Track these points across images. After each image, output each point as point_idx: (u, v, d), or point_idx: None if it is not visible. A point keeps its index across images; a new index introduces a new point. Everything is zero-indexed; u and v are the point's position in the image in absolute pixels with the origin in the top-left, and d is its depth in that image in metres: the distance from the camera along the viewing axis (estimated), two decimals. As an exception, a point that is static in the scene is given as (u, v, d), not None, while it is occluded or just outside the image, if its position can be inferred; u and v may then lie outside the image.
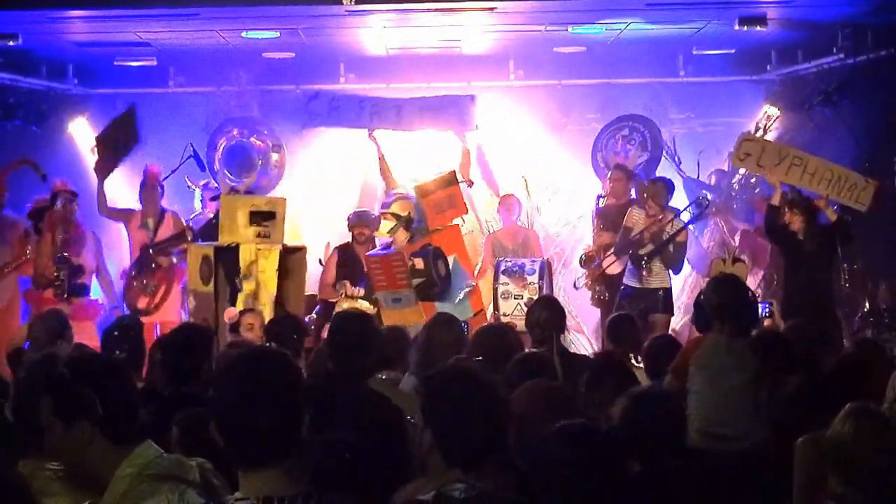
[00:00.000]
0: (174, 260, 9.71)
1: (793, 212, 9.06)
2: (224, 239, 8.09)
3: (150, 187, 10.01)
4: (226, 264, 7.97)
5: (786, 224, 9.13)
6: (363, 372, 4.96)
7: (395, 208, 8.96)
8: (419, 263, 8.44)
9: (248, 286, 7.91)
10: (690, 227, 9.72)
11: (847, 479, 3.51)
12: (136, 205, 10.22)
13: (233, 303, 7.90)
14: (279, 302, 8.05)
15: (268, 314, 7.79)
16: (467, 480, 3.01)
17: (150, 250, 9.69)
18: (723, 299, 5.61)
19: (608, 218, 10.23)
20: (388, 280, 8.49)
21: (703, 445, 5.04)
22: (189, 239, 9.57)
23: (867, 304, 9.43)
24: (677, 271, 9.62)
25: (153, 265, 9.66)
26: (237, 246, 7.97)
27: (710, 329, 5.69)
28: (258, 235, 8.01)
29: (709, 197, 10.65)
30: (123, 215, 10.16)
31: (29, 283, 9.51)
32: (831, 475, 3.57)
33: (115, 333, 5.69)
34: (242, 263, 7.93)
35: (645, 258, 9.32)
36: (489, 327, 6.50)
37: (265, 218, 8.06)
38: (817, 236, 8.97)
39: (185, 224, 9.86)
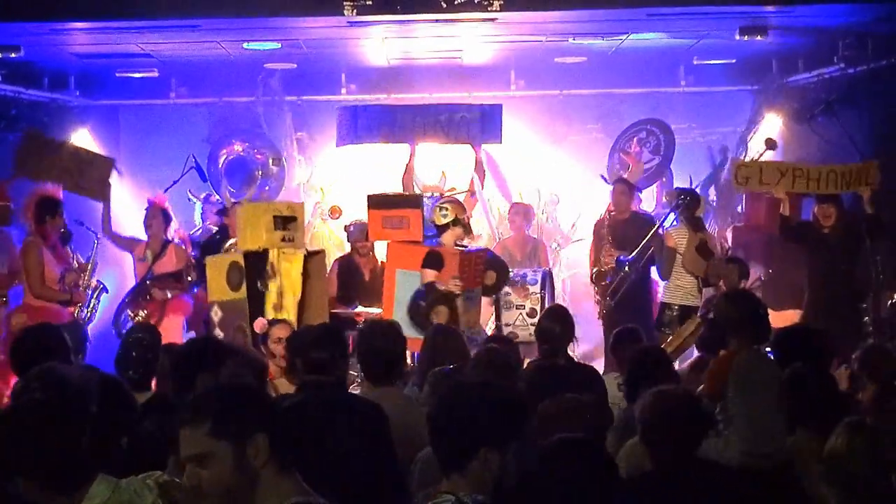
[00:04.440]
0: (168, 295, 9.56)
1: (826, 205, 9.12)
2: (247, 246, 8.06)
3: (151, 218, 9.83)
4: (252, 270, 7.93)
5: (801, 223, 9.21)
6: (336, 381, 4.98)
7: (450, 209, 8.91)
8: (490, 278, 8.78)
9: (273, 286, 7.88)
10: (670, 229, 9.45)
11: (843, 492, 3.51)
12: (143, 234, 10.03)
13: (260, 308, 7.85)
14: (302, 306, 8.02)
15: (293, 318, 7.75)
16: (456, 493, 3.02)
17: (148, 281, 9.58)
18: (743, 313, 5.56)
19: (616, 233, 10.08)
20: (468, 278, 8.53)
21: (750, 465, 5.01)
22: (189, 280, 9.53)
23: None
24: (664, 277, 9.41)
25: (147, 297, 9.57)
26: (266, 251, 7.97)
27: (727, 345, 5.65)
28: (283, 240, 7.99)
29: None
30: (126, 243, 9.99)
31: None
32: (828, 489, 3.57)
33: (133, 353, 5.66)
34: (269, 267, 7.92)
35: (626, 266, 9.32)
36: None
37: (287, 222, 8.03)
38: (841, 229, 9.11)
39: (187, 260, 9.73)
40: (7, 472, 2.96)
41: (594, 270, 10.13)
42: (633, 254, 9.46)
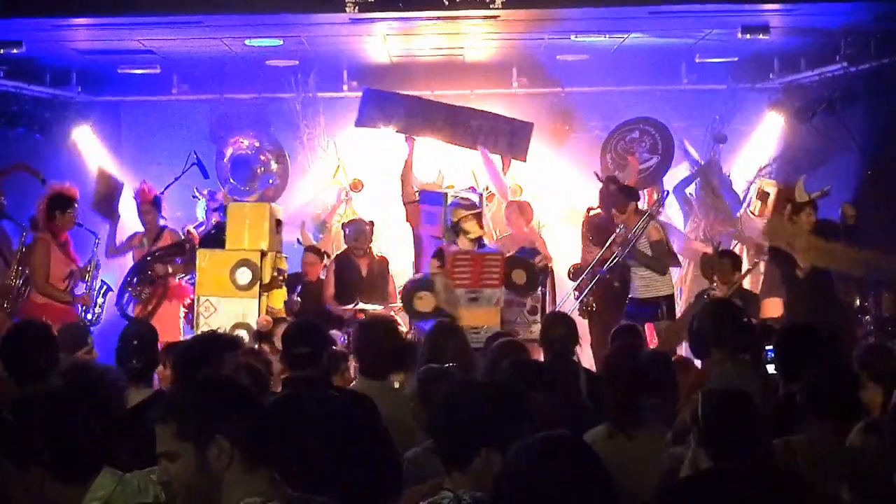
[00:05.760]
0: (170, 269, 9.62)
1: (806, 211, 9.08)
2: (253, 246, 8.09)
3: (145, 213, 9.91)
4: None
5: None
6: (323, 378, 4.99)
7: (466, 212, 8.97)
8: (519, 277, 8.72)
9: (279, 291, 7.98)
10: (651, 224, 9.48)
11: (857, 489, 3.49)
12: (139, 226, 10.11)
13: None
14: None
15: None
16: (455, 490, 3.04)
17: (148, 258, 9.60)
18: (720, 325, 5.54)
19: (597, 230, 10.11)
20: (473, 278, 8.55)
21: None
22: (187, 249, 9.59)
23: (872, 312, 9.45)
24: (662, 272, 9.38)
25: (149, 273, 9.60)
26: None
27: (709, 355, 5.64)
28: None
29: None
30: (127, 247, 10.04)
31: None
32: (842, 485, 3.55)
33: (135, 342, 5.66)
34: (265, 270, 7.97)
35: (612, 264, 9.34)
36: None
37: (278, 225, 8.18)
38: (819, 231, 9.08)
39: (182, 236, 9.81)
40: (20, 460, 2.96)
41: (570, 268, 10.19)
42: (611, 263, 9.46)
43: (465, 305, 8.48)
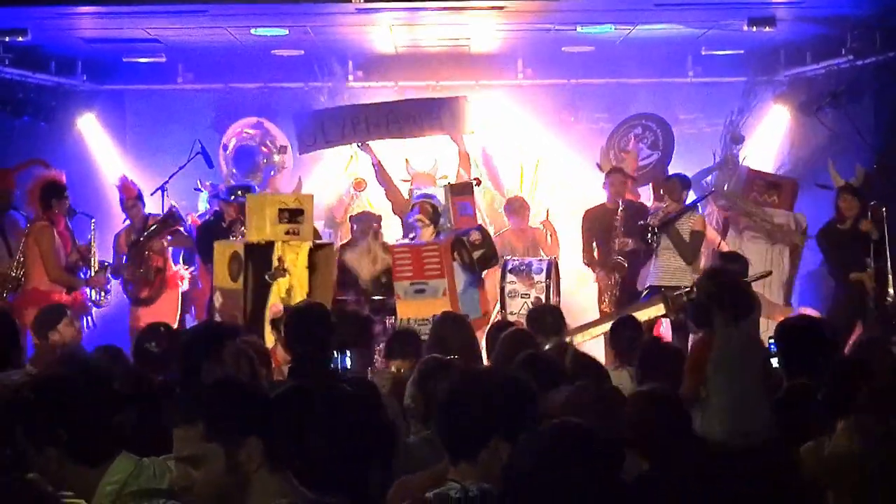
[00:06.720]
0: (165, 243, 9.77)
1: (842, 197, 9.26)
2: (253, 237, 8.09)
3: (128, 208, 9.98)
4: (256, 261, 7.97)
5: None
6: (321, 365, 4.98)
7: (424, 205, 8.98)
8: (476, 237, 8.62)
9: (283, 281, 7.91)
10: (696, 215, 9.56)
11: (850, 492, 3.48)
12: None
13: (263, 300, 7.88)
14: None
15: None
16: (461, 481, 3.03)
17: (141, 239, 9.69)
18: (720, 290, 5.59)
19: (594, 221, 10.19)
20: (415, 270, 8.55)
21: (730, 443, 5.02)
22: (176, 219, 9.65)
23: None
24: (689, 260, 9.36)
25: (147, 253, 9.69)
26: (269, 243, 7.98)
27: (709, 324, 5.67)
28: (287, 233, 7.99)
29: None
30: (120, 249, 10.04)
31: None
32: (832, 489, 3.54)
33: (153, 345, 5.68)
34: (274, 260, 7.98)
35: (653, 230, 9.30)
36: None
37: (294, 215, 8.04)
38: (855, 224, 9.27)
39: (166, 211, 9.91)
40: (39, 440, 2.97)
41: (617, 259, 10.03)
42: (658, 220, 9.45)
43: (411, 297, 8.50)
